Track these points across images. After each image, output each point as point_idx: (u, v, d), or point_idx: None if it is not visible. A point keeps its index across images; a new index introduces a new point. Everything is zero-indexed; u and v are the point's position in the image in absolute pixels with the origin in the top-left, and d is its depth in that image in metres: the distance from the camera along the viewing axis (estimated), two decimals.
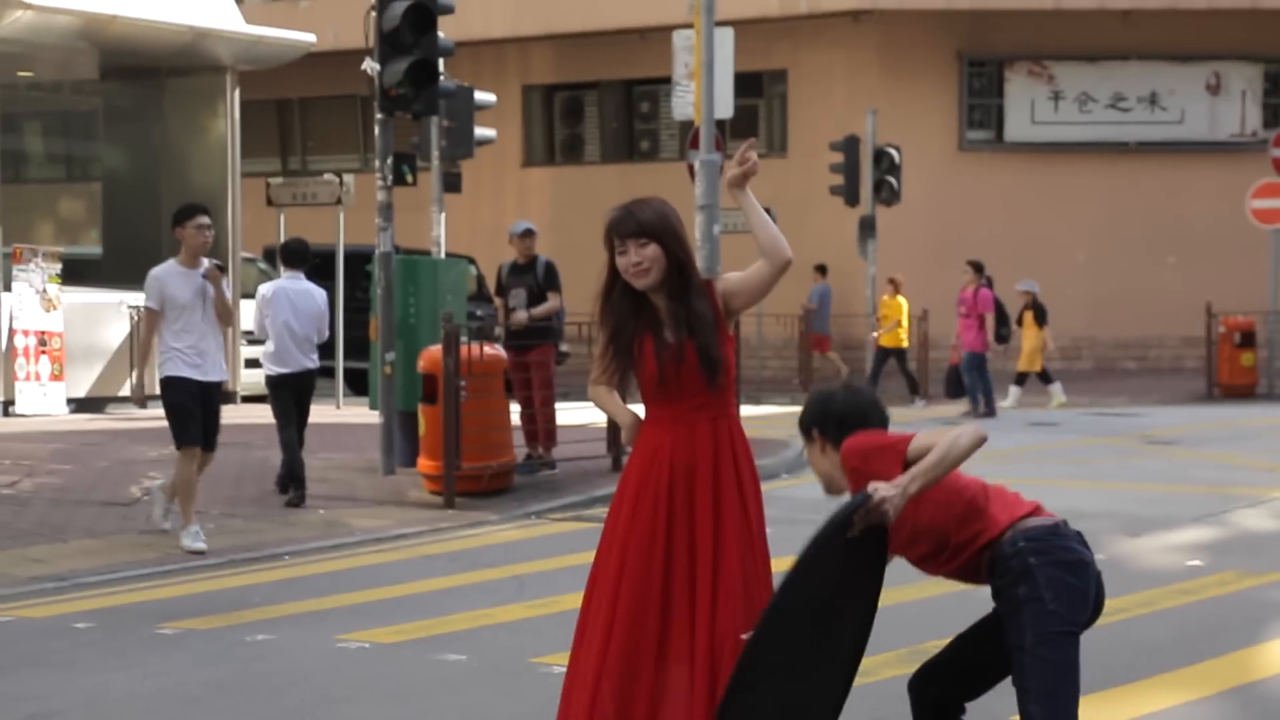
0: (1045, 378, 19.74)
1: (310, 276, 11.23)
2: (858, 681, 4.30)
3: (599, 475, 12.21)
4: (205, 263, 9.11)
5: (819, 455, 4.19)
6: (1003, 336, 18.98)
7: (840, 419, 4.14)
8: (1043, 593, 3.75)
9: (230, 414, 13.29)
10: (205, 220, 9.13)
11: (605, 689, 4.30)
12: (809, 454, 4.25)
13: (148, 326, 9.24)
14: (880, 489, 3.89)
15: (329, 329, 11.16)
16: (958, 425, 4.07)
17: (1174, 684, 6.13)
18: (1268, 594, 7.92)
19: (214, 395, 9.25)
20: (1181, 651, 6.65)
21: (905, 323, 20.40)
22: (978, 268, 18.56)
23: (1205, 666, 6.42)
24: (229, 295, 9.34)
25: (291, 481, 10.95)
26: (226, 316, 9.26)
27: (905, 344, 20.42)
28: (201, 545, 9.11)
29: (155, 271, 9.18)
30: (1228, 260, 24.80)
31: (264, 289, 11.17)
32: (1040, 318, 19.61)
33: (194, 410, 9.08)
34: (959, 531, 3.99)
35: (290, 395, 10.96)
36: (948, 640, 4.29)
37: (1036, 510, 4.05)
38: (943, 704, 4.08)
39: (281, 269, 11.40)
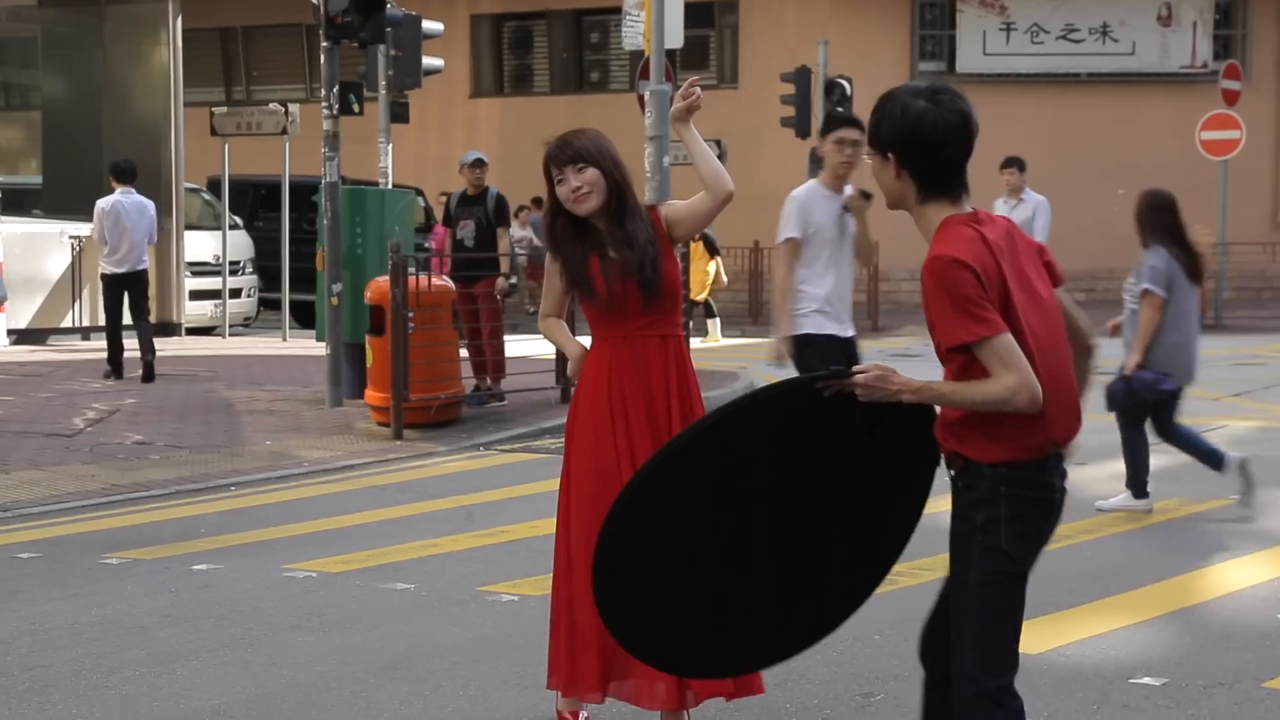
0: (709, 310, 20.00)
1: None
2: None
3: (547, 407, 12.19)
4: (847, 189, 7.13)
5: (892, 178, 3.46)
6: None
7: (930, 147, 3.41)
8: (1001, 528, 3.39)
9: (174, 346, 13.19)
10: (846, 134, 6.96)
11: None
12: (876, 168, 3.49)
13: (786, 259, 7.09)
14: (869, 378, 3.35)
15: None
16: (1020, 379, 3.38)
17: (1116, 608, 6.19)
18: (1210, 521, 8.01)
19: (855, 354, 7.11)
20: (1124, 577, 6.72)
21: None
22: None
23: (1147, 591, 6.49)
24: (869, 230, 7.23)
25: (110, 364, 13.70)
26: (866, 255, 7.33)
27: None
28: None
29: (796, 193, 7.14)
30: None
31: (101, 203, 13.68)
32: (711, 248, 19.67)
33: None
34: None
35: (123, 292, 13.64)
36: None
37: (1047, 443, 3.54)
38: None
39: (114, 185, 13.79)
